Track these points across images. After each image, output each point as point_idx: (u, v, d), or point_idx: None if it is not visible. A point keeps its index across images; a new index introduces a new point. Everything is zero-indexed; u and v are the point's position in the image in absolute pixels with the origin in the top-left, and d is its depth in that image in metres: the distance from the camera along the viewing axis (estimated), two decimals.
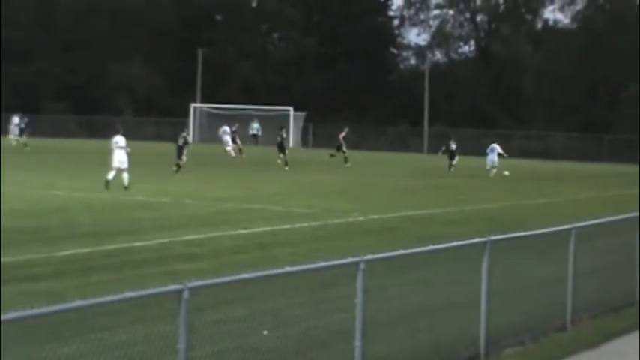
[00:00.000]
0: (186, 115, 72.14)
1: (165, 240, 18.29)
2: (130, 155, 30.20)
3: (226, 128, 56.83)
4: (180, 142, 39.12)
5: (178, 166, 37.76)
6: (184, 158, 38.31)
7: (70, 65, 79.95)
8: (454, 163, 48.39)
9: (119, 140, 30.36)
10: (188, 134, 44.85)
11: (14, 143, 55.13)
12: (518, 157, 64.58)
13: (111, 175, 29.25)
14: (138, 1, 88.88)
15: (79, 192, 27.82)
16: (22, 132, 56.40)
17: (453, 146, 49.52)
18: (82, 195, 26.96)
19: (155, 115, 70.53)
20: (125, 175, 29.31)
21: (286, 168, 43.35)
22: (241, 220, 22.13)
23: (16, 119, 57.83)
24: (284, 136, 48.61)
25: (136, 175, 30.34)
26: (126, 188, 28.84)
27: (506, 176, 42.91)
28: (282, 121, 66.51)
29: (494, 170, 44.49)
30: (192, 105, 75.67)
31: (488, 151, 46.38)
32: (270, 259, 15.86)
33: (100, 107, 77.56)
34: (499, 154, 45.69)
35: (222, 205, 25.93)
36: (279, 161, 45.78)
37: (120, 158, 29.67)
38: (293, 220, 22.57)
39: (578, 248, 12.09)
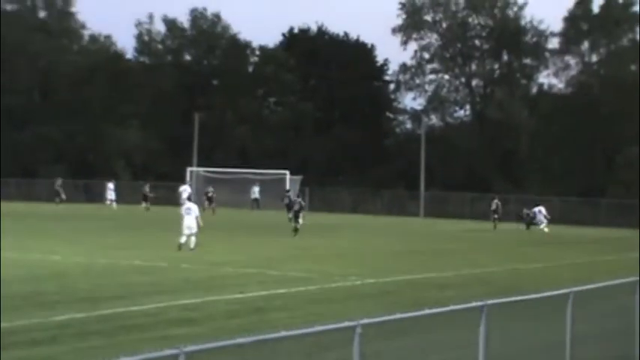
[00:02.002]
0: (182, 178, 72.29)
1: (162, 304, 18.21)
2: (198, 221, 32.16)
3: (186, 187, 61.51)
4: (297, 206, 42.77)
5: (296, 229, 41.08)
6: (300, 221, 41.67)
7: (68, 130, 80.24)
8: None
9: (191, 207, 33.04)
10: (298, 196, 45.81)
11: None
12: (515, 221, 64.67)
13: (183, 239, 31.51)
14: (136, 66, 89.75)
15: (76, 257, 27.75)
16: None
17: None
18: (79, 259, 26.90)
19: (152, 179, 70.73)
20: (193, 239, 31.58)
21: (294, 223, 44.40)
22: (238, 285, 22.07)
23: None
24: (291, 198, 51.24)
25: (133, 238, 30.30)
26: (180, 247, 30.94)
27: (546, 233, 51.03)
28: (279, 185, 66.85)
29: (545, 229, 52.71)
30: (189, 169, 75.85)
31: (535, 211, 55.22)
32: (266, 324, 15.79)
33: (97, 171, 77.68)
34: (544, 216, 54.11)
35: (218, 269, 25.87)
36: (292, 223, 46.44)
37: (189, 224, 31.93)
38: (290, 284, 22.51)
39: (576, 313, 12.05)
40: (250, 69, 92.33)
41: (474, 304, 10.50)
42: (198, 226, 32.13)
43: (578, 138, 78.45)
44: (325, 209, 67.91)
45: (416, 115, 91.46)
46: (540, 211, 55.48)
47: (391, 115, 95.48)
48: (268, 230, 45.85)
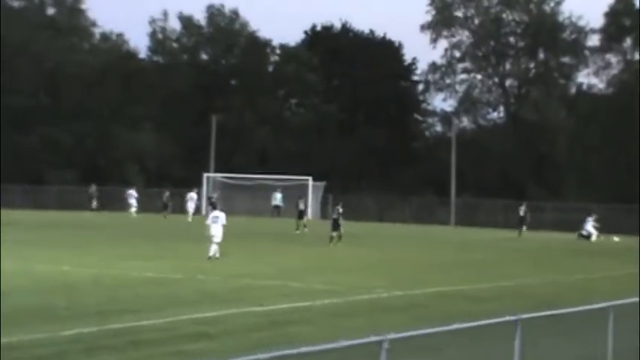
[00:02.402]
0: (198, 185, 72.49)
1: (176, 318, 18.25)
2: (225, 228, 32.50)
3: (193, 195, 64.89)
4: (335, 214, 43.35)
5: (332, 238, 41.68)
6: (342, 229, 42.20)
7: (77, 133, 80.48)
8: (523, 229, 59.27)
9: (218, 215, 33.21)
10: (337, 204, 46.43)
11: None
12: (551, 230, 64.37)
13: (212, 250, 31.93)
14: (150, 65, 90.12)
15: (86, 267, 27.88)
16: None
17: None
18: (89, 270, 27.02)
19: (167, 186, 70.92)
20: (215, 247, 31.95)
21: (301, 231, 45.47)
22: (257, 297, 22.08)
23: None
24: (302, 206, 53.78)
25: (148, 248, 30.39)
26: (209, 258, 31.30)
27: (617, 242, 53.99)
28: (301, 192, 67.15)
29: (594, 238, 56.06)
30: (206, 175, 76.02)
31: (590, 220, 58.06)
32: (287, 338, 15.78)
33: (109, 177, 77.91)
34: (593, 226, 57.20)
35: (237, 280, 25.91)
36: (297, 231, 48.12)
37: (216, 232, 32.25)
38: (313, 297, 22.50)
39: (616, 328, 11.99)
40: (270, 68, 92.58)
41: (507, 318, 10.47)
42: (223, 235, 32.51)
43: (619, 141, 78.05)
44: (350, 217, 67.52)
45: (446, 117, 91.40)
46: (589, 220, 58.09)
47: (420, 117, 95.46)
48: (290, 239, 45.89)
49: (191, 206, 64.17)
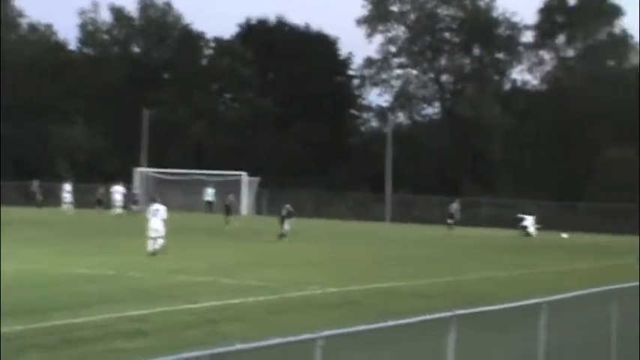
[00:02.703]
0: (130, 180, 71.94)
1: (108, 316, 18.13)
2: (166, 223, 32.66)
3: (119, 188, 64.52)
4: (284, 212, 43.88)
5: (281, 235, 42.51)
6: (286, 227, 43.15)
7: (6, 127, 79.30)
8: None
9: (158, 208, 33.24)
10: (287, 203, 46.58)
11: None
12: (486, 226, 65.14)
13: (151, 245, 32.01)
14: (80, 58, 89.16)
15: (17, 264, 27.51)
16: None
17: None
18: (17, 267, 26.68)
19: (99, 181, 70.25)
20: (160, 241, 32.05)
21: (230, 226, 46.92)
22: (191, 294, 22.03)
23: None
24: (232, 200, 55.25)
25: (76, 246, 30.13)
26: (154, 254, 31.32)
27: (565, 238, 55.31)
28: (236, 187, 67.12)
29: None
30: (138, 169, 75.48)
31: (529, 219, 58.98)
32: (221, 336, 15.78)
33: (38, 172, 76.87)
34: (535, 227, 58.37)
35: (170, 277, 25.80)
36: (226, 227, 48.73)
37: (156, 226, 32.34)
38: (246, 294, 22.50)
39: (549, 324, 12.18)
40: (204, 62, 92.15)
41: (442, 314, 10.59)
42: (166, 229, 32.57)
43: (553, 138, 79.13)
44: None
45: (382, 113, 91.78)
46: (527, 219, 59.50)
47: (355, 113, 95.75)
48: (222, 235, 45.83)
49: (118, 199, 63.68)
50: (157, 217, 32.64)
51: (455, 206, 62.73)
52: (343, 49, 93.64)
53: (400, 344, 10.37)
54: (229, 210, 53.93)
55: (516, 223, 60.62)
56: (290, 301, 22.02)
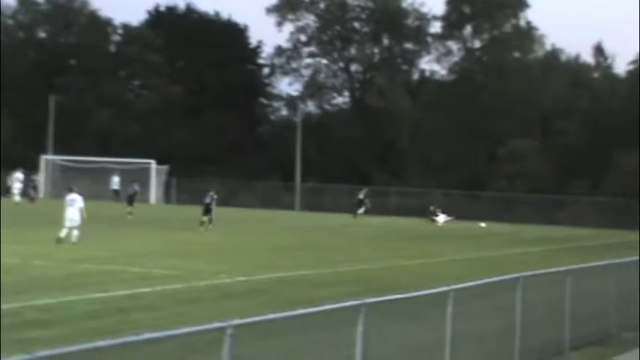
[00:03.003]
0: (36, 168, 70.72)
1: (13, 305, 17.83)
2: (82, 213, 32.66)
3: (19, 175, 62.37)
4: (208, 199, 44.04)
5: (202, 222, 42.64)
6: (212, 215, 43.21)
7: None
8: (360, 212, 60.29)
9: (75, 198, 33.29)
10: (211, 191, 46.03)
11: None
12: (395, 215, 65.80)
13: (64, 233, 31.87)
14: None
15: None
16: None
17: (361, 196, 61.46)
18: None
19: (5, 169, 68.91)
20: (75, 232, 32.02)
21: (129, 217, 47.37)
22: (97, 283, 21.79)
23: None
24: (136, 189, 54.80)
25: None
26: (60, 242, 31.18)
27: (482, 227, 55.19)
28: (144, 175, 66.51)
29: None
30: (44, 157, 74.29)
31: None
32: (128, 325, 15.66)
33: None
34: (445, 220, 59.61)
35: (76, 266, 25.48)
36: (130, 216, 48.40)
37: (72, 216, 32.36)
38: (154, 283, 22.35)
39: (456, 312, 12.36)
40: (112, 48, 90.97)
41: (351, 303, 10.66)
42: (82, 219, 32.56)
43: (460, 128, 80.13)
44: (194, 202, 67.44)
45: (292, 102, 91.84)
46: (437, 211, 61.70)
47: (265, 101, 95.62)
48: (130, 224, 45.39)
49: (17, 186, 62.20)
50: (74, 206, 32.67)
51: (364, 192, 63.35)
52: (253, 38, 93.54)
53: (309, 333, 10.41)
54: (132, 199, 53.33)
55: (426, 212, 61.65)
56: (199, 289, 21.94)
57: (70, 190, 34.38)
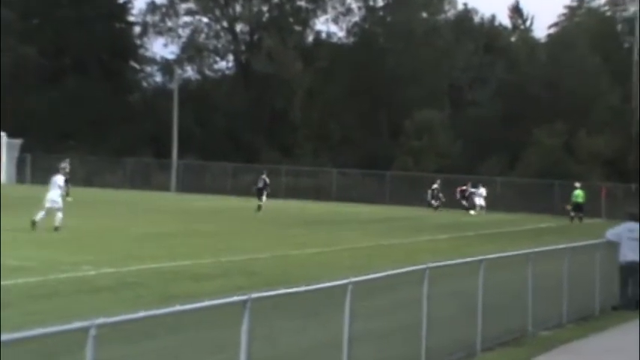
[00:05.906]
0: None
1: None
2: (64, 197, 35.31)
3: None
4: (260, 183, 50.65)
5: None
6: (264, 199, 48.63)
7: None
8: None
9: (58, 179, 35.68)
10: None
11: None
12: (286, 197, 65.94)
13: (39, 216, 33.87)
14: None
15: None
16: None
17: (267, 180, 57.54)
18: None
19: None
20: (59, 215, 34.05)
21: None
22: None
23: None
24: None
25: None
26: (56, 229, 33.31)
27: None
28: None
29: None
30: None
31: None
32: None
33: None
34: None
35: None
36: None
37: (53, 197, 34.58)
38: (3, 276, 21.98)
39: (355, 307, 12.43)
40: None
41: (235, 298, 10.64)
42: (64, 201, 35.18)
43: (360, 98, 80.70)
44: (48, 181, 66.69)
45: (167, 66, 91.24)
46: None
47: (136, 65, 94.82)
48: None
49: None
50: (57, 188, 35.18)
51: (264, 178, 60.63)
52: None
53: (187, 333, 10.37)
54: None
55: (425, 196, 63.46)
56: (56, 283, 21.66)
57: (57, 172, 37.13)
